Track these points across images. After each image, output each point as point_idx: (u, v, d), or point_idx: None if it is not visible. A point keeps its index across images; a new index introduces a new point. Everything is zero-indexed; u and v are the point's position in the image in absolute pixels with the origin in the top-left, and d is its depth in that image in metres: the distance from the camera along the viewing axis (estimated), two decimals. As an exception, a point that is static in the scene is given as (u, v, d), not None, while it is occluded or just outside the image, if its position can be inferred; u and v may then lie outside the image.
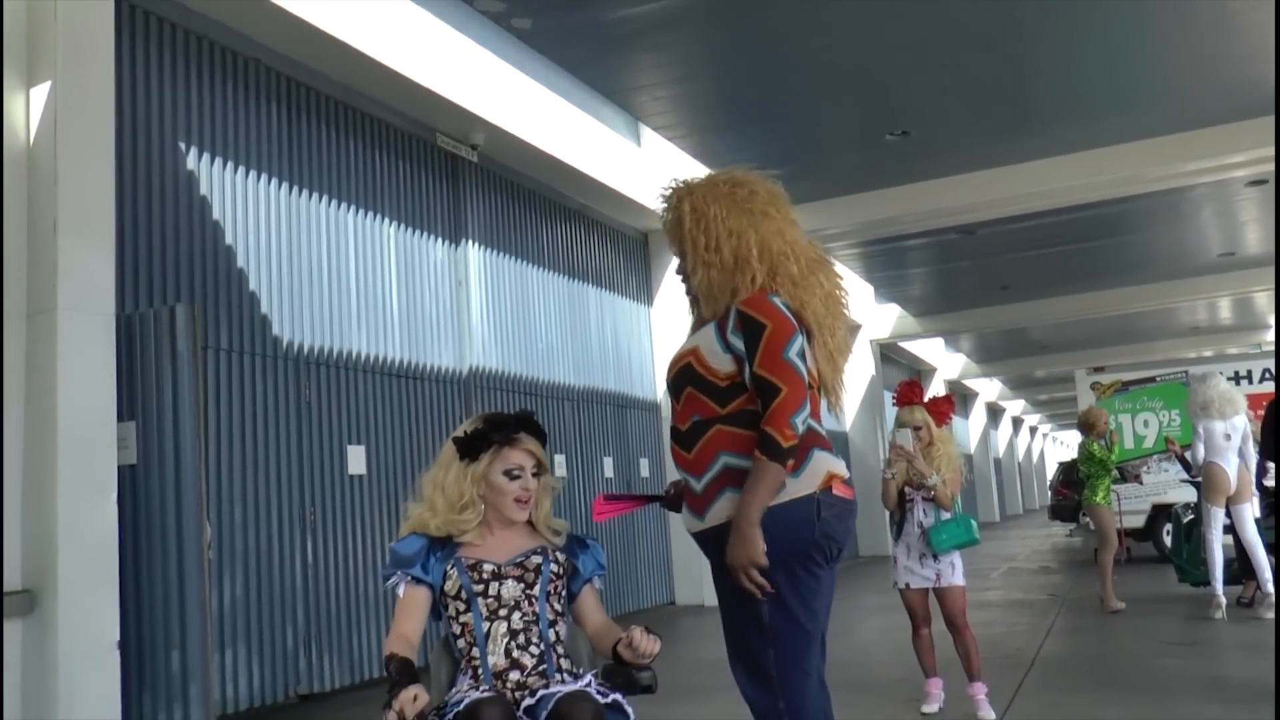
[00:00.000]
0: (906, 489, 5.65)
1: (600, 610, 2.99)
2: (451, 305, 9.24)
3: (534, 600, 2.85)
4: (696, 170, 10.95)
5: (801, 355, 2.64)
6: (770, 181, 2.92)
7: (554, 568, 2.91)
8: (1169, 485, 13.08)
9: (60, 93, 5.07)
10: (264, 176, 7.44)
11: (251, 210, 7.30)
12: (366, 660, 7.67)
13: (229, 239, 7.08)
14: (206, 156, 7.00)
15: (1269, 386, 13.87)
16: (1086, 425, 10.00)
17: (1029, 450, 51.16)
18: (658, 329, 12.52)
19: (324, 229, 7.93)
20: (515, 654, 2.79)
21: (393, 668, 2.62)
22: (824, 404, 2.86)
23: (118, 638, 4.98)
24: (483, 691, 2.69)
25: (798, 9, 7.59)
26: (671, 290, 11.87)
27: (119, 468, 5.14)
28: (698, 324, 2.85)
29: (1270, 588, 8.59)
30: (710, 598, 11.77)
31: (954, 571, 5.54)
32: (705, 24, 7.91)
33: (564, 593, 2.94)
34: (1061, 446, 61.71)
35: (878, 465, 18.74)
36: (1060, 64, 8.98)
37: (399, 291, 8.61)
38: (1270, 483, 9.74)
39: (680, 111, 9.65)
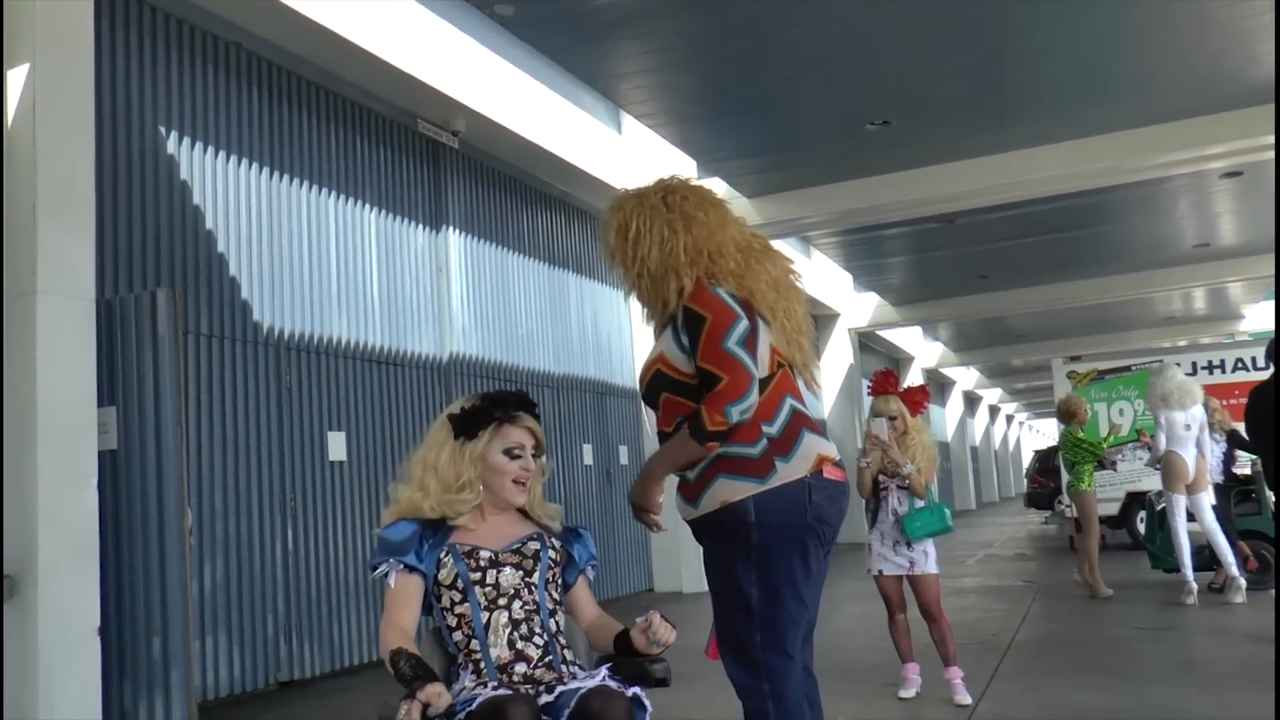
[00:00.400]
0: (881, 477, 5.72)
1: (594, 602, 2.87)
2: (432, 291, 9.23)
3: (533, 588, 2.68)
4: (677, 158, 11.03)
5: (744, 344, 2.65)
6: (703, 185, 2.95)
7: (552, 554, 2.76)
8: (1143, 473, 13.20)
9: (39, 76, 5.02)
10: (245, 161, 7.41)
11: (232, 195, 7.28)
12: (347, 648, 7.68)
13: (209, 224, 7.05)
14: (187, 141, 6.97)
15: (1242, 376, 14.01)
16: (1068, 414, 10.10)
17: (1005, 438, 51.50)
18: (637, 316, 12.49)
19: (305, 215, 7.91)
20: (519, 645, 2.60)
21: (404, 663, 2.40)
22: (801, 384, 2.89)
23: (98, 624, 4.97)
24: (495, 688, 2.48)
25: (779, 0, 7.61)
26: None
27: (100, 453, 5.12)
28: (659, 330, 2.88)
29: (1235, 571, 8.73)
30: (689, 584, 11.86)
31: (927, 559, 5.60)
32: (687, 13, 7.91)
33: (560, 581, 2.79)
34: (1038, 435, 62.16)
35: (856, 452, 18.82)
36: (1040, 56, 9.03)
37: (380, 277, 8.59)
38: (1242, 470, 9.88)
39: (661, 100, 9.64)
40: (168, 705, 5.15)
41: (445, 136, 9.35)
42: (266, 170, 7.59)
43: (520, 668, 2.57)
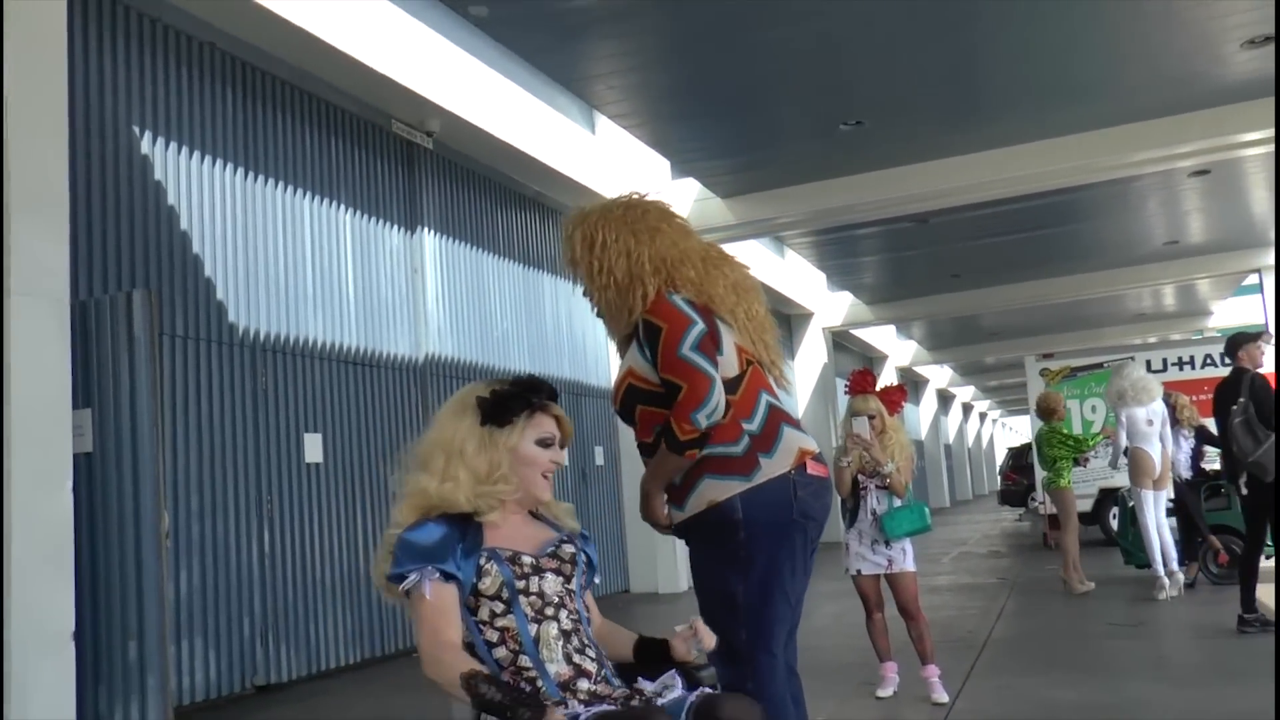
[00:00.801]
0: (860, 477, 5.73)
1: (597, 607, 2.65)
2: (407, 292, 9.21)
3: (574, 596, 2.44)
4: (651, 157, 11.03)
5: (699, 348, 2.69)
6: (662, 200, 3.03)
7: (585, 557, 2.53)
8: (1115, 469, 13.33)
9: (11, 74, 4.96)
10: (219, 162, 7.37)
11: (207, 196, 7.23)
12: (324, 651, 7.65)
13: (184, 224, 7.01)
14: (161, 141, 6.92)
15: (1210, 372, 14.14)
16: (1048, 410, 10.19)
17: (979, 436, 51.85)
18: (613, 316, 12.51)
19: (280, 215, 7.87)
20: (576, 659, 2.34)
21: (492, 689, 2.12)
22: (772, 381, 2.93)
23: (73, 628, 4.92)
24: (594, 707, 2.23)
25: (752, 1, 7.62)
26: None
27: (74, 455, 5.07)
28: (623, 345, 2.92)
29: (1174, 565, 8.85)
30: (664, 585, 11.90)
31: (905, 558, 5.63)
32: (660, 14, 7.92)
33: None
34: (1011, 432, 62.58)
35: (831, 451, 18.90)
36: (1012, 56, 9.10)
37: (355, 278, 8.56)
38: (1212, 466, 9.99)
39: (635, 100, 9.65)
40: (143, 710, 5.11)
41: (420, 137, 9.33)
42: (241, 171, 7.55)
43: (583, 684, 2.31)
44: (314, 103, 8.34)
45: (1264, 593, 7.21)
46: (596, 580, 2.62)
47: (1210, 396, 7.48)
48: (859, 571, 5.71)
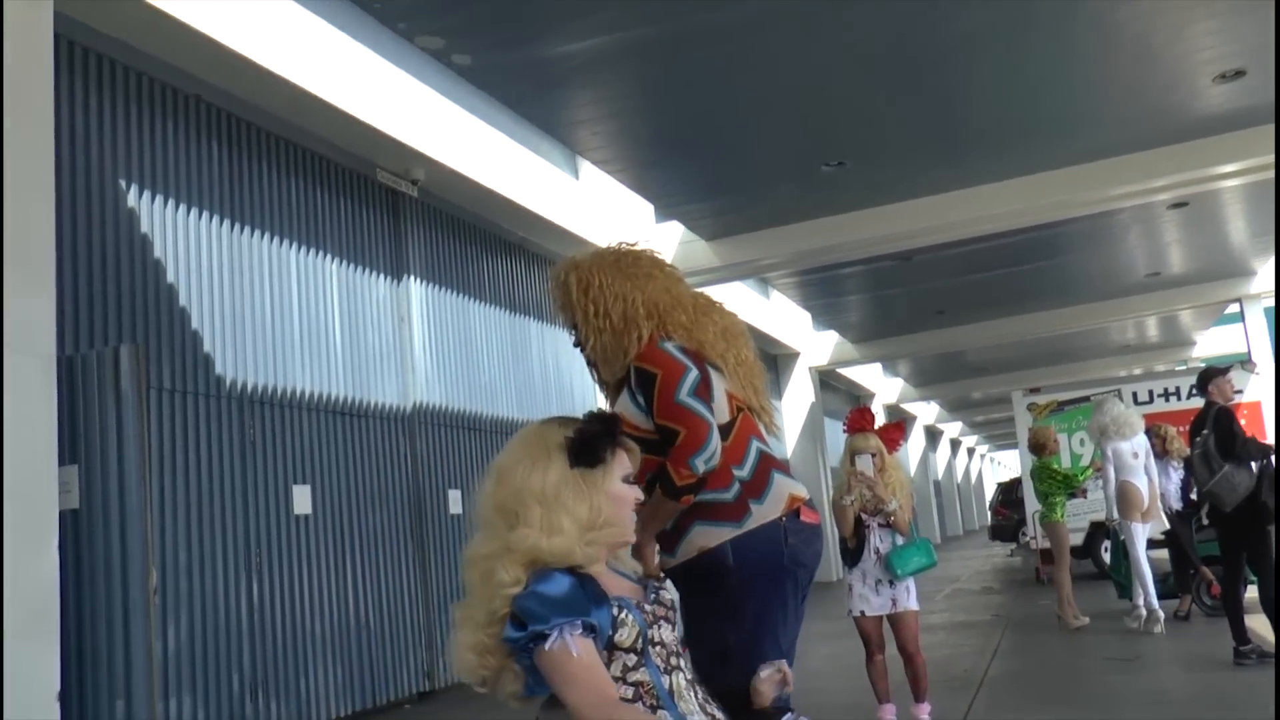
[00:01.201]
0: (863, 515, 5.67)
1: None
2: (394, 341, 9.20)
3: (683, 643, 2.31)
4: (634, 201, 11.09)
5: (696, 394, 2.71)
6: (652, 249, 3.08)
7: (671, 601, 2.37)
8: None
9: (-3, 131, 4.98)
10: (205, 214, 7.37)
11: (193, 248, 7.23)
12: (315, 704, 7.55)
13: (170, 277, 7.00)
14: (148, 194, 6.93)
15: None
16: (1038, 445, 10.24)
17: (968, 471, 51.82)
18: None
19: (266, 266, 7.87)
20: (710, 709, 2.23)
21: None
22: (761, 427, 2.94)
23: (58, 689, 4.85)
24: None
25: (732, 45, 7.70)
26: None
27: (60, 513, 5.02)
28: (613, 393, 2.93)
29: (1153, 603, 8.83)
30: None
31: (909, 596, 5.60)
32: (641, 59, 8.00)
33: None
34: (1000, 467, 62.58)
35: (820, 492, 18.88)
36: (988, 95, 9.21)
37: (342, 328, 8.55)
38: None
39: (618, 145, 9.71)
40: (133, 770, 5.03)
41: (405, 185, 9.36)
42: (227, 222, 7.56)
43: None
44: (299, 153, 8.37)
45: (1253, 621, 7.18)
46: None
47: (1196, 427, 7.53)
48: (862, 613, 5.65)
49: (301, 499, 7.72)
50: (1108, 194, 11.43)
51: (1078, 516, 13.67)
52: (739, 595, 2.65)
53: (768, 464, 2.79)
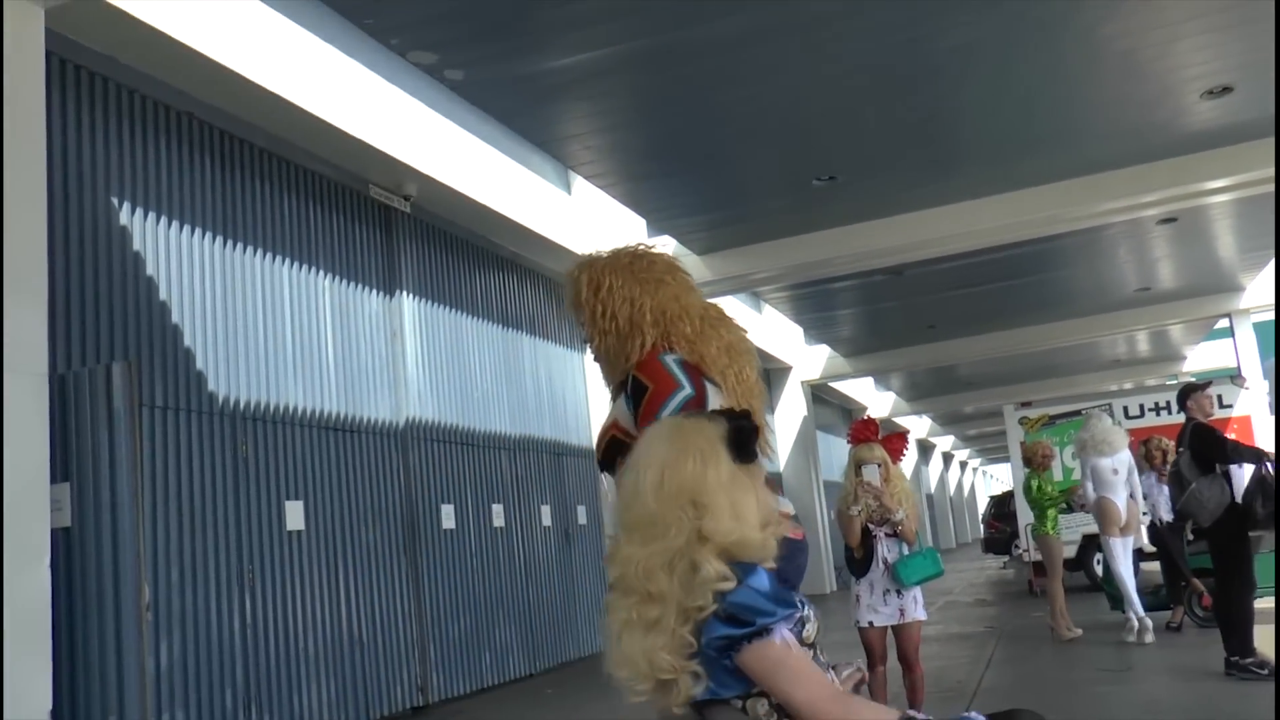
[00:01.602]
0: (869, 525, 5.65)
1: None
2: (387, 357, 9.20)
3: None
4: (626, 216, 11.12)
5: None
6: (669, 255, 3.07)
7: None
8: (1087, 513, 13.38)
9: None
10: (198, 231, 7.38)
11: (186, 265, 7.23)
12: (308, 720, 7.52)
13: (163, 295, 7.00)
14: (140, 211, 6.93)
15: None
16: (1029, 460, 10.33)
17: (960, 485, 51.89)
18: (592, 375, 12.54)
19: (258, 283, 7.87)
20: None
21: None
22: None
23: (50, 707, 4.84)
24: None
25: (723, 60, 7.75)
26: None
27: (53, 530, 5.02)
28: (614, 395, 2.94)
29: (1140, 612, 8.86)
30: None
31: (917, 605, 5.61)
32: (633, 75, 8.04)
33: None
34: (992, 480, 62.68)
35: (813, 505, 18.92)
36: (977, 110, 9.27)
37: (334, 344, 8.55)
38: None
39: (610, 160, 9.75)
40: (125, 788, 5.01)
41: (397, 201, 9.39)
42: (219, 239, 7.56)
43: None
44: (291, 169, 8.38)
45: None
46: None
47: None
48: (870, 624, 5.63)
49: (294, 515, 7.71)
50: (1097, 209, 11.50)
51: (1070, 529, 13.71)
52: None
53: None
